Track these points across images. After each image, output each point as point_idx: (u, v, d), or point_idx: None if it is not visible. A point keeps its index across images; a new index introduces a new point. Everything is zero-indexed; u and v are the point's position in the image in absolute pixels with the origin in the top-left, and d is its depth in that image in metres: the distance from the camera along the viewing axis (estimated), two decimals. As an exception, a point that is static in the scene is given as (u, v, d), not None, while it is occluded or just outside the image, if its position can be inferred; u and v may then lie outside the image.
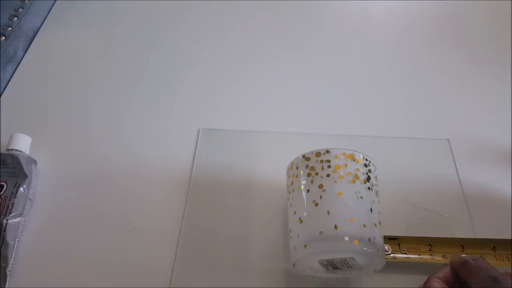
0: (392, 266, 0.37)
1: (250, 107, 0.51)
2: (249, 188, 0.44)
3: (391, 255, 0.37)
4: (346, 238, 0.32)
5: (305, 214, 0.34)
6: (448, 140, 0.47)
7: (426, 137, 0.48)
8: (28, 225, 0.41)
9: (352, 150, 0.36)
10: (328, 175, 0.34)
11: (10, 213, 0.40)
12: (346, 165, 0.35)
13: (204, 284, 0.38)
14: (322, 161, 0.35)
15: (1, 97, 0.52)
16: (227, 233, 0.41)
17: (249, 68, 0.55)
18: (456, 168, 0.45)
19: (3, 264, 0.38)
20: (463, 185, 0.44)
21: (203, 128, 0.49)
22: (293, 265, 0.35)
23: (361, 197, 0.34)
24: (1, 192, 0.41)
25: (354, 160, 0.35)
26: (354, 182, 0.34)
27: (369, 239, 0.32)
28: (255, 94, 0.52)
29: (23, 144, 0.45)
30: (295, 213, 0.35)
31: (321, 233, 0.32)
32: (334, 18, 0.62)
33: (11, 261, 0.38)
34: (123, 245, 0.40)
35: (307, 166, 0.35)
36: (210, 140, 0.48)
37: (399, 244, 0.38)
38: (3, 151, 0.44)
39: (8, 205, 0.40)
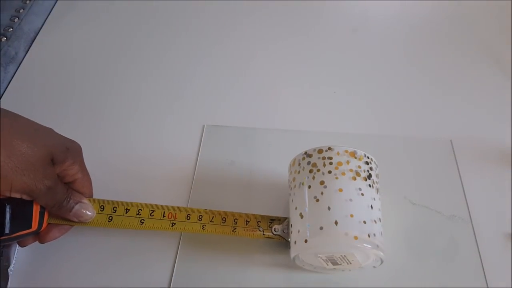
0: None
1: (254, 104, 0.52)
2: (252, 184, 0.44)
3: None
4: (346, 234, 0.32)
5: (306, 209, 0.34)
6: (451, 140, 0.48)
7: (429, 137, 0.48)
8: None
9: (354, 148, 0.36)
10: (329, 172, 0.35)
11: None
12: (347, 162, 0.35)
13: (204, 281, 0.38)
14: (324, 158, 0.35)
15: (2, 97, 0.52)
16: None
17: (253, 66, 0.56)
18: (458, 168, 0.45)
19: (5, 264, 0.38)
20: (465, 185, 0.44)
21: (207, 125, 0.49)
22: (293, 259, 0.35)
23: (362, 194, 0.34)
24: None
25: (355, 158, 0.35)
26: (355, 179, 0.34)
27: (368, 235, 0.32)
28: (259, 91, 0.53)
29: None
30: (296, 208, 0.35)
31: (321, 228, 0.33)
32: (335, 17, 0.62)
33: (13, 261, 0.38)
34: (124, 244, 0.40)
35: (309, 163, 0.36)
36: (214, 136, 0.48)
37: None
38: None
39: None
